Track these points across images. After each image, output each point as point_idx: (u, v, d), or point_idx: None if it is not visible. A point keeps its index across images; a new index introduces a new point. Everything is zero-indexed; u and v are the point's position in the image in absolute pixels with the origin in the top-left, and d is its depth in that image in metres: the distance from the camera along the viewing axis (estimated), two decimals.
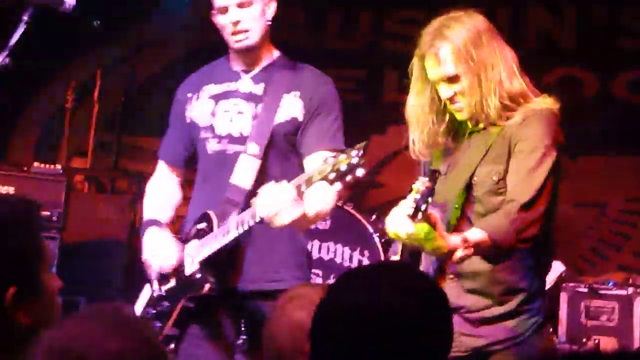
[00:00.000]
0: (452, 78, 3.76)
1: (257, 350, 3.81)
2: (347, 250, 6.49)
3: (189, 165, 4.45)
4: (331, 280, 6.30)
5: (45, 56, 9.02)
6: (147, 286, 4.34)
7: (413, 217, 3.38)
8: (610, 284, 6.57)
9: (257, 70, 4.29)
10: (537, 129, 3.72)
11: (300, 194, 3.67)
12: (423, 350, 2.20)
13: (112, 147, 8.68)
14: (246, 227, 3.88)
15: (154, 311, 4.25)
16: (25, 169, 6.82)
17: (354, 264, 6.43)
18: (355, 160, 3.47)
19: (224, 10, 4.16)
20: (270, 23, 4.25)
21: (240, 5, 4.15)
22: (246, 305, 4.14)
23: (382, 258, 6.46)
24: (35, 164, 6.90)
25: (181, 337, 4.19)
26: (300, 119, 4.17)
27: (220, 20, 4.20)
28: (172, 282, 4.19)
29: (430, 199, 3.40)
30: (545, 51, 8.90)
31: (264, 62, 4.30)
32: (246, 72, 4.29)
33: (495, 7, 9.03)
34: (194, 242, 4.13)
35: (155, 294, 4.27)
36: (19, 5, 4.06)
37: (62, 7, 4.09)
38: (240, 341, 4.13)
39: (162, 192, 4.45)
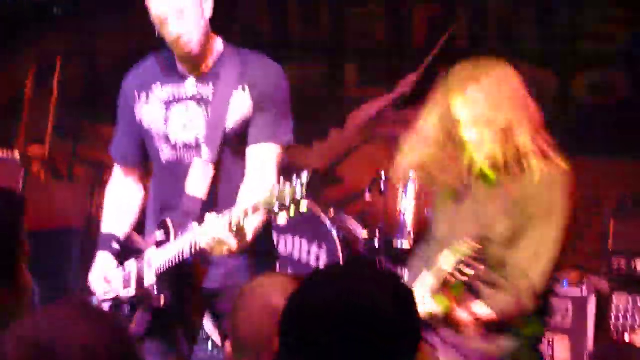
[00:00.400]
0: (480, 122, 3.83)
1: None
2: (304, 243, 6.49)
3: (146, 162, 4.39)
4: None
5: (1, 40, 8.95)
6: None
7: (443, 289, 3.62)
8: (564, 283, 6.60)
9: (203, 70, 4.15)
10: (556, 195, 3.90)
11: (236, 227, 3.67)
12: (394, 344, 2.21)
13: (71, 135, 8.64)
14: (196, 250, 3.86)
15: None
16: None
17: (312, 258, 6.44)
18: (299, 195, 3.47)
19: (162, 19, 4.02)
20: (210, 18, 4.11)
21: (178, 15, 3.99)
22: (209, 304, 4.17)
23: (340, 252, 6.47)
24: None
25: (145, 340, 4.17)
26: (250, 115, 4.08)
27: (159, 30, 4.07)
28: (131, 288, 4.15)
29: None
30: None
31: (210, 60, 4.16)
32: (192, 71, 4.16)
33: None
34: (153, 249, 4.10)
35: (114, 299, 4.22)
36: None
37: None
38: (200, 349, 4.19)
39: (119, 201, 4.38)
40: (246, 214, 3.65)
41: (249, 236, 3.84)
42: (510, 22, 8.96)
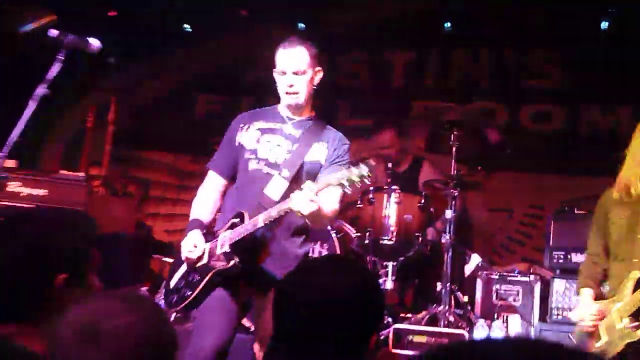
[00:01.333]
0: None
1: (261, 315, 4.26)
2: (310, 243, 6.52)
3: (233, 180, 4.58)
4: None
5: (71, 84, 9.00)
6: (183, 265, 4.48)
7: None
8: (516, 272, 6.64)
9: (298, 119, 4.51)
10: None
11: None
12: (360, 322, 2.26)
13: (123, 159, 8.68)
14: (272, 219, 4.14)
15: (184, 282, 4.45)
16: (54, 175, 6.78)
17: (315, 254, 6.48)
18: (365, 173, 3.86)
19: (283, 73, 4.41)
20: (315, 88, 4.49)
21: (296, 73, 4.39)
22: (262, 280, 4.29)
23: (337, 249, 6.51)
24: (62, 171, 6.87)
25: (203, 300, 4.36)
26: (323, 163, 4.43)
27: (278, 78, 4.45)
28: (204, 261, 4.35)
29: None
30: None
31: (304, 116, 4.52)
32: (290, 119, 4.51)
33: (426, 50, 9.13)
34: (227, 232, 4.31)
35: (187, 270, 4.45)
36: (54, 46, 4.08)
37: (89, 49, 4.12)
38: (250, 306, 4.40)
39: (209, 198, 4.57)
40: (327, 185, 3.97)
41: (325, 206, 4.13)
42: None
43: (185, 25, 9.11)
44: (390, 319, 6.23)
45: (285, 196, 4.25)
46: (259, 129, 4.52)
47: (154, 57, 9.35)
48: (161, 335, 1.94)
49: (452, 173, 6.41)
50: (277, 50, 4.46)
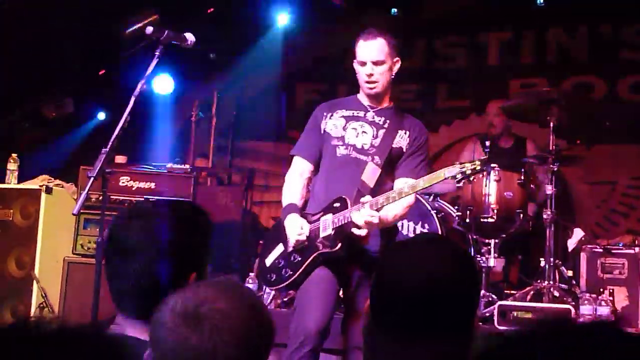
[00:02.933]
0: None
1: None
2: (411, 224, 6.44)
3: (317, 166, 4.61)
4: None
5: (175, 81, 9.12)
6: (280, 245, 4.53)
7: None
8: (620, 244, 6.42)
9: (379, 108, 4.57)
10: None
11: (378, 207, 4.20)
12: (462, 304, 2.16)
13: (228, 150, 8.75)
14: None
15: (284, 262, 4.49)
16: (161, 169, 6.87)
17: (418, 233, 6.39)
18: (478, 168, 4.14)
19: (363, 63, 4.47)
20: (393, 78, 4.53)
21: (375, 63, 4.44)
22: (367, 260, 4.34)
23: (439, 229, 6.40)
24: (170, 164, 6.95)
25: (304, 280, 4.39)
26: (404, 150, 4.50)
27: (358, 69, 4.51)
28: (306, 243, 4.38)
29: None
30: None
31: (385, 104, 4.58)
32: (371, 107, 4.58)
33: (521, 29, 8.94)
34: (329, 216, 4.38)
35: (288, 250, 4.47)
36: (152, 43, 4.11)
37: (185, 44, 4.13)
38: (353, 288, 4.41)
39: (298, 183, 4.59)
40: (399, 195, 4.19)
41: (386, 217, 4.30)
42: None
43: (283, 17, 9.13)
44: (494, 296, 6.11)
45: (379, 182, 4.39)
46: (342, 117, 4.57)
47: (253, 50, 9.38)
48: (260, 320, 1.91)
49: (551, 148, 6.22)
50: (357, 42, 4.51)
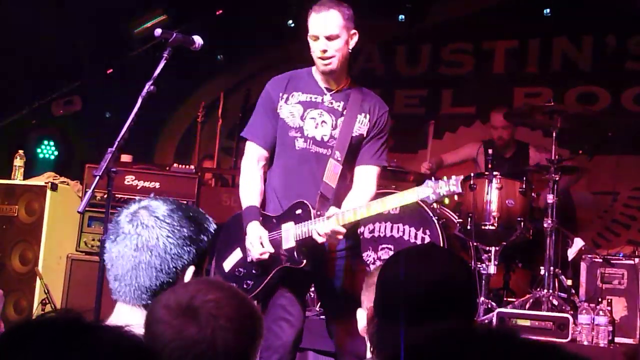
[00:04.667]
0: None
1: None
2: (412, 230, 6.46)
3: (273, 150, 4.32)
4: None
5: (182, 82, 9.15)
6: (238, 249, 4.25)
7: None
8: (621, 255, 6.42)
9: (336, 90, 4.26)
10: None
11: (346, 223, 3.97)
12: (465, 306, 2.21)
13: (233, 152, 8.77)
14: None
15: (244, 271, 4.22)
16: (167, 168, 6.90)
17: (419, 240, 6.40)
18: (453, 189, 3.87)
19: (316, 38, 4.15)
20: (350, 52, 4.22)
21: (329, 38, 4.11)
22: (322, 270, 4.23)
23: (440, 235, 6.41)
24: (175, 165, 6.98)
25: (270, 294, 4.19)
26: (365, 135, 4.24)
27: (311, 44, 4.19)
28: (267, 255, 4.11)
29: None
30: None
31: (343, 85, 4.27)
32: (328, 90, 4.26)
33: (527, 38, 8.95)
34: (290, 225, 4.11)
35: (248, 259, 4.19)
36: (160, 43, 4.13)
37: (193, 46, 4.14)
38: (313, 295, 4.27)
39: (257, 176, 4.28)
40: (355, 215, 3.94)
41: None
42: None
43: (289, 22, 9.15)
44: (493, 303, 6.12)
45: (341, 179, 4.16)
46: (299, 102, 4.24)
47: (259, 53, 9.42)
48: (250, 308, 1.97)
49: (554, 158, 6.23)
50: (310, 14, 4.16)
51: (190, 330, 1.84)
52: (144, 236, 2.40)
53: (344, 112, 4.20)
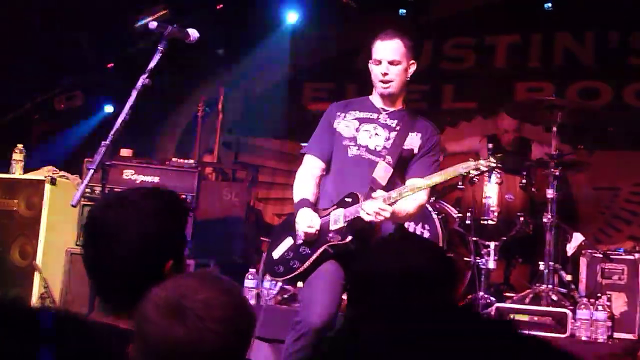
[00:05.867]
0: None
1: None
2: (412, 224, 6.42)
3: (329, 164, 4.62)
4: None
5: (183, 77, 9.13)
6: (289, 238, 4.54)
7: None
8: (621, 250, 6.39)
9: (392, 110, 4.57)
10: None
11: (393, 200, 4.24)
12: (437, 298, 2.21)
13: (233, 146, 8.76)
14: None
15: (292, 254, 4.50)
16: (167, 163, 6.87)
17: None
18: (493, 164, 4.27)
19: (379, 62, 4.48)
20: (408, 80, 4.55)
21: (391, 63, 4.46)
22: None
23: (439, 230, 6.38)
24: (175, 159, 6.95)
25: (312, 272, 4.41)
26: (416, 152, 4.52)
27: (373, 68, 4.52)
28: (313, 229, 4.39)
29: None
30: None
31: (398, 106, 4.59)
32: (384, 110, 4.57)
33: (529, 33, 8.91)
34: (339, 210, 4.39)
35: (297, 242, 4.48)
36: (156, 38, 4.11)
37: (188, 39, 4.13)
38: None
39: (310, 179, 4.59)
40: (400, 194, 4.25)
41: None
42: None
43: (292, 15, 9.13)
44: (493, 298, 6.10)
45: (391, 182, 4.40)
46: (355, 118, 4.57)
47: (260, 48, 9.39)
48: (241, 307, 1.95)
49: (554, 152, 6.20)
50: (375, 42, 4.53)
51: (177, 332, 1.84)
52: None
53: (397, 128, 4.52)
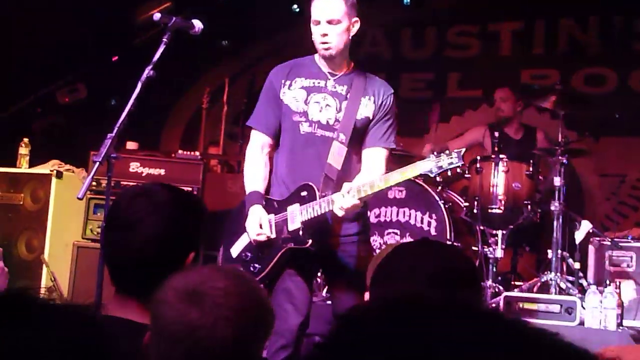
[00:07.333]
0: None
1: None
2: (419, 214, 6.40)
3: (277, 138, 4.34)
4: (407, 238, 6.24)
5: (187, 69, 9.10)
6: (245, 234, 4.26)
7: None
8: (629, 237, 6.37)
9: (339, 74, 4.27)
10: None
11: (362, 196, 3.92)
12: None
13: (238, 138, 8.73)
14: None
15: (251, 255, 4.24)
16: (173, 155, 6.86)
17: (425, 224, 6.34)
18: (455, 162, 3.80)
19: (317, 22, 4.18)
20: (351, 39, 4.23)
21: (330, 22, 4.14)
22: (330, 254, 4.21)
23: (446, 219, 6.36)
24: (180, 151, 6.93)
25: (277, 277, 4.19)
26: (371, 117, 4.24)
27: (313, 29, 4.21)
28: (272, 235, 4.14)
29: None
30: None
31: (345, 69, 4.28)
32: (331, 74, 4.27)
33: (533, 19, 8.87)
34: (295, 206, 4.11)
35: (254, 243, 4.20)
36: (160, 30, 4.09)
37: (193, 31, 4.10)
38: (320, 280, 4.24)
39: (260, 162, 4.31)
40: (372, 188, 3.91)
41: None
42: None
43: (294, 6, 9.10)
44: (501, 287, 6.08)
45: (346, 161, 4.15)
46: (302, 88, 4.26)
47: (265, 38, 9.36)
48: (259, 301, 1.95)
49: (560, 140, 6.17)
50: (312, 0, 4.21)
51: (192, 316, 1.84)
52: None
53: (348, 96, 4.22)
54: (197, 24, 4.09)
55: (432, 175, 3.86)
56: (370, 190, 3.92)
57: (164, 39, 3.92)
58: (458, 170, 3.95)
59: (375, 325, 0.96)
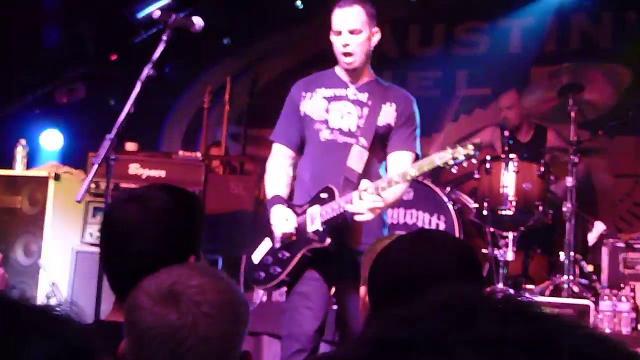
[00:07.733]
0: None
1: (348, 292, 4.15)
2: (426, 216, 6.40)
3: (301, 150, 4.45)
4: None
5: (187, 67, 9.10)
6: (267, 239, 4.36)
7: None
8: None
9: (360, 83, 4.37)
10: None
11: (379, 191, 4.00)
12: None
13: (241, 138, 8.73)
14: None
15: (272, 259, 4.31)
16: (173, 156, 6.85)
17: (433, 226, 6.34)
18: (472, 153, 3.89)
19: (338, 33, 4.27)
20: (372, 49, 4.34)
21: (352, 32, 4.24)
22: (349, 258, 4.19)
23: (455, 221, 6.35)
24: (181, 152, 6.92)
25: (296, 280, 4.26)
26: (393, 124, 4.33)
27: (334, 40, 4.32)
28: (293, 237, 4.21)
29: None
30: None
31: (365, 79, 4.38)
32: (352, 82, 4.37)
33: (544, 15, 8.85)
34: (315, 207, 4.19)
35: (275, 246, 4.29)
36: (160, 28, 4.10)
37: (193, 28, 4.11)
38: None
39: (281, 171, 4.44)
40: (389, 184, 4.00)
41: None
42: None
43: (297, 3, 9.09)
44: (512, 290, 6.07)
45: (368, 165, 4.24)
46: (323, 98, 4.38)
47: (267, 36, 9.36)
48: (234, 294, 1.95)
49: (573, 139, 6.16)
50: (333, 11, 4.31)
51: (171, 317, 1.83)
52: None
53: (369, 103, 4.33)
54: (198, 22, 4.10)
55: (448, 168, 3.94)
56: (387, 186, 4.01)
57: (164, 37, 3.93)
58: (473, 160, 3.95)
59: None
